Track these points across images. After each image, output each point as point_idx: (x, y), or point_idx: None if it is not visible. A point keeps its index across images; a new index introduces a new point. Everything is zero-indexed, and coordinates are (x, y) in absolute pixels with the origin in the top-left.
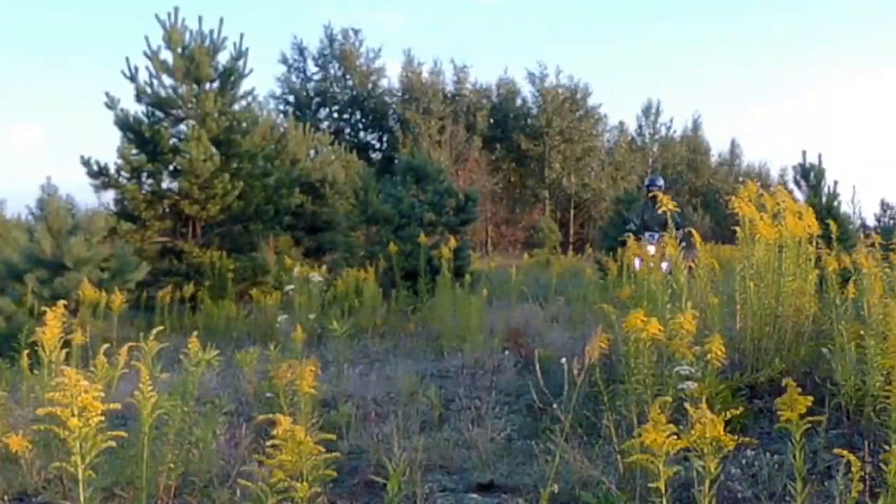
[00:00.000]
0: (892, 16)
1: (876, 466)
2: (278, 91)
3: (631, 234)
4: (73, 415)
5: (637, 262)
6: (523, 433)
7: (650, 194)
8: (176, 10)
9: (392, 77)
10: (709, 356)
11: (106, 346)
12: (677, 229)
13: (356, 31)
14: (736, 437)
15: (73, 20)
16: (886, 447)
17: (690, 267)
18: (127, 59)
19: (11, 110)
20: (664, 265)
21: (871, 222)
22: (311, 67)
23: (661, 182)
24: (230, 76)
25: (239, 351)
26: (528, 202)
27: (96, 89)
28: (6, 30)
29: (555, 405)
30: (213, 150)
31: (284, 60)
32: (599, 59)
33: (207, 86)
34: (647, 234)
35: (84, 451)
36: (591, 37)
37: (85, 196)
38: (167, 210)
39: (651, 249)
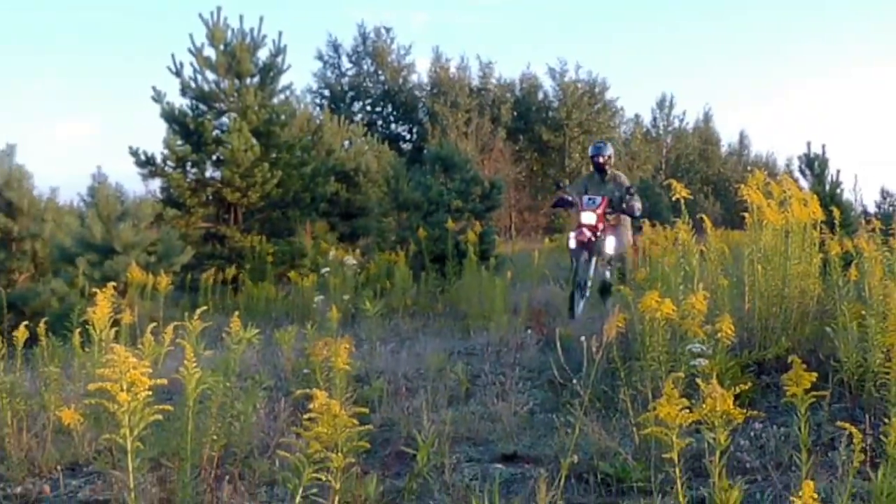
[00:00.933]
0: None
1: (876, 438)
2: (314, 86)
3: (563, 202)
4: (122, 390)
5: (572, 239)
6: (545, 407)
7: (597, 164)
8: (219, 9)
9: (421, 72)
10: (719, 335)
11: (153, 325)
12: (627, 207)
13: (388, 30)
14: (745, 410)
15: (122, 20)
16: (886, 420)
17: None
18: (172, 56)
19: (63, 105)
20: (610, 242)
21: (871, 209)
22: (346, 63)
23: (609, 151)
24: (269, 71)
25: (278, 330)
26: (549, 190)
27: (143, 85)
28: (60, 29)
29: (574, 381)
30: (254, 141)
31: (320, 57)
32: (617, 55)
33: (248, 81)
34: (585, 197)
35: (132, 423)
36: (608, 34)
37: (133, 184)
38: (210, 197)
39: (589, 217)
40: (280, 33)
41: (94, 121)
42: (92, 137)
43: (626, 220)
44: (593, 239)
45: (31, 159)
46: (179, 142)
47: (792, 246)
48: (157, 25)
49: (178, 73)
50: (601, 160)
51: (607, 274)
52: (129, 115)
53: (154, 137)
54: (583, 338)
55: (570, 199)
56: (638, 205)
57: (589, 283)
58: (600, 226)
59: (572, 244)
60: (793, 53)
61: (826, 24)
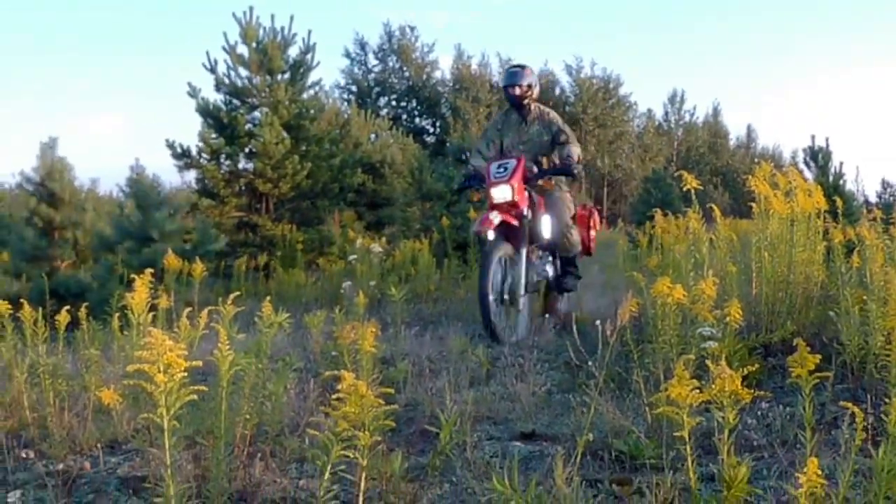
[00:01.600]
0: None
1: (878, 418)
2: (342, 82)
3: (472, 180)
4: (159, 371)
5: (479, 226)
6: (562, 388)
7: (512, 98)
8: (251, 8)
9: (444, 69)
10: (728, 319)
11: (188, 309)
12: (562, 161)
13: (412, 28)
14: (752, 391)
15: (155, 19)
16: (887, 400)
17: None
18: (207, 53)
19: (100, 100)
20: (546, 223)
21: (873, 199)
22: (372, 60)
23: (529, 79)
24: (299, 68)
25: (307, 314)
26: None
27: (176, 80)
28: (93, 28)
29: (590, 363)
30: (284, 134)
31: (347, 54)
32: (631, 53)
33: (279, 77)
34: (492, 165)
35: (169, 403)
36: (623, 33)
37: (169, 176)
38: (243, 188)
39: (502, 191)
40: (309, 32)
41: (125, 115)
42: (125, 131)
43: (564, 181)
44: (516, 223)
45: (70, 151)
46: (214, 135)
47: (797, 234)
48: (191, 23)
49: (212, 70)
50: (517, 91)
51: (548, 269)
52: (162, 110)
53: (188, 131)
54: (598, 322)
55: (477, 170)
56: (576, 154)
57: (523, 291)
58: (522, 202)
59: (490, 235)
60: (798, 52)
61: (829, 25)
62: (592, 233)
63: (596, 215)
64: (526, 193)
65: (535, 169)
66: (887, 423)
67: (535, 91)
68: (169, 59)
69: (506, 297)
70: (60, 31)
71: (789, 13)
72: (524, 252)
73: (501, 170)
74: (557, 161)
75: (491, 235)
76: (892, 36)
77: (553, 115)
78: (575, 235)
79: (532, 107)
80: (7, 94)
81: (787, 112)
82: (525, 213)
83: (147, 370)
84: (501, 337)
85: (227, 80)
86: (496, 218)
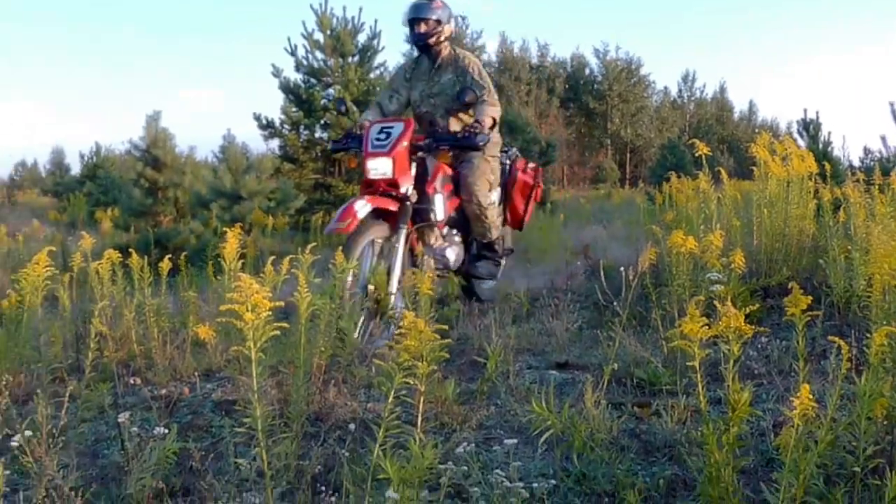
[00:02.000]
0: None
1: (860, 350)
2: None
3: (348, 141)
4: (247, 310)
5: (336, 222)
6: (591, 324)
7: (418, 37)
8: (325, 1)
9: (490, 52)
10: (732, 266)
11: (272, 258)
12: (477, 119)
13: (463, 18)
14: (753, 327)
15: (244, 11)
16: (868, 335)
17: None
18: (288, 39)
19: (196, 79)
20: (439, 201)
21: (856, 164)
22: None
23: (439, 13)
24: (367, 52)
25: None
26: (595, 148)
27: (261, 62)
28: (197, 17)
29: (615, 303)
30: (354, 108)
31: (407, 40)
32: (650, 38)
33: (350, 59)
34: (374, 129)
35: (255, 337)
36: (643, 20)
37: (256, 144)
38: (319, 154)
39: (379, 166)
40: (376, 20)
41: (218, 92)
42: (217, 106)
43: (493, 146)
44: (394, 207)
45: (171, 122)
46: (294, 109)
47: (792, 193)
48: (276, 14)
49: (292, 53)
50: (423, 29)
51: (450, 254)
52: (247, 88)
53: (272, 106)
54: (622, 268)
55: (356, 132)
56: (488, 118)
57: (395, 286)
58: (404, 179)
59: (360, 213)
60: (792, 38)
61: (820, 13)
62: (531, 205)
63: (540, 186)
64: (412, 167)
65: (442, 133)
66: (868, 354)
67: (447, 29)
68: (255, 44)
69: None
70: (164, 19)
71: (789, 6)
72: (403, 234)
73: (382, 136)
74: (470, 129)
75: (356, 218)
76: (870, 21)
77: (471, 60)
78: (492, 216)
79: (444, 50)
80: (118, 72)
81: (783, 89)
82: (408, 192)
83: (237, 309)
84: (357, 344)
85: (305, 62)
86: (363, 209)
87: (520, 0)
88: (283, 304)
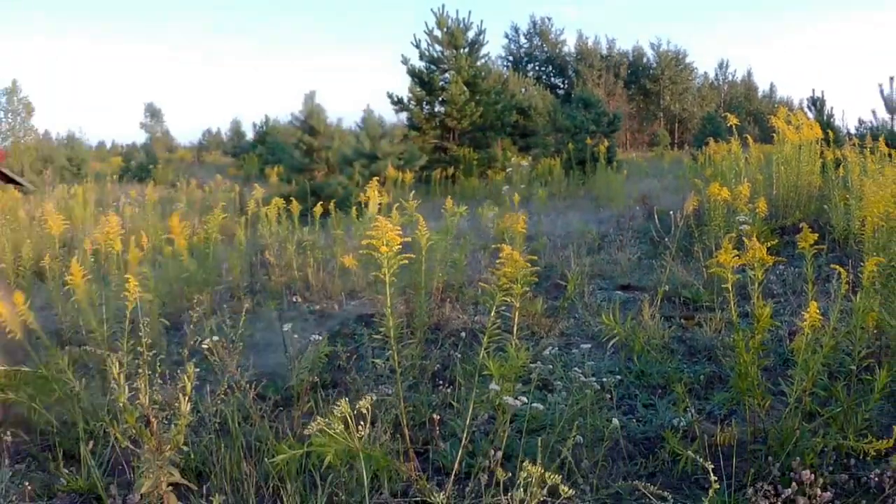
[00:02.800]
0: None
1: (856, 275)
2: (503, 53)
3: None
4: (382, 244)
5: None
6: (647, 255)
7: None
8: (443, 6)
9: (570, 45)
10: (757, 210)
11: (400, 204)
12: None
13: (549, 19)
14: (773, 257)
15: (381, 13)
16: (862, 264)
17: None
18: (413, 35)
19: (345, 63)
20: None
21: (853, 131)
22: (522, 39)
23: None
24: (475, 45)
25: (479, 207)
26: (650, 119)
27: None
28: (340, 19)
29: (666, 239)
30: (465, 88)
31: (506, 35)
32: (693, 34)
33: (461, 51)
34: None
35: (388, 266)
36: (691, 19)
37: (388, 116)
38: (437, 124)
39: None
40: (482, 20)
41: (359, 74)
42: (358, 85)
43: None
44: None
45: (323, 98)
46: (418, 89)
47: (802, 154)
48: (404, 16)
49: (416, 46)
50: None
51: None
52: (379, 73)
53: (401, 86)
54: (672, 212)
55: None
56: None
57: None
58: None
59: None
60: (802, 22)
61: (834, 5)
62: None
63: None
64: None
65: None
66: (862, 278)
67: None
68: (394, 41)
69: None
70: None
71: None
72: None
73: None
74: None
75: None
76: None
77: None
78: None
79: None
80: (282, 58)
81: (797, 73)
82: None
83: (374, 244)
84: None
85: (427, 53)
86: None
87: (593, 4)
88: (409, 240)
